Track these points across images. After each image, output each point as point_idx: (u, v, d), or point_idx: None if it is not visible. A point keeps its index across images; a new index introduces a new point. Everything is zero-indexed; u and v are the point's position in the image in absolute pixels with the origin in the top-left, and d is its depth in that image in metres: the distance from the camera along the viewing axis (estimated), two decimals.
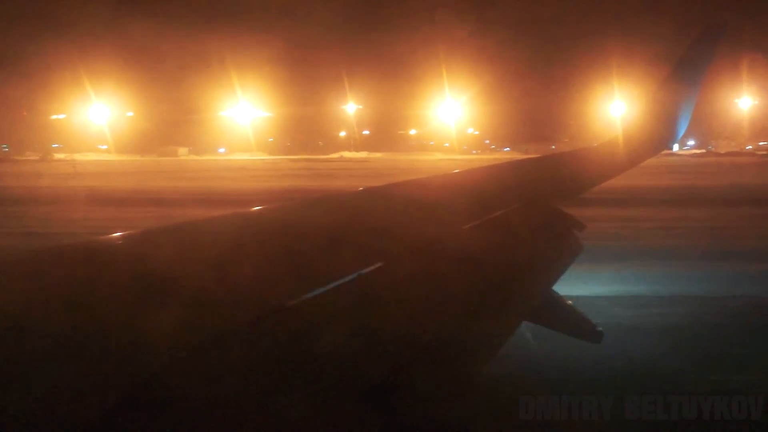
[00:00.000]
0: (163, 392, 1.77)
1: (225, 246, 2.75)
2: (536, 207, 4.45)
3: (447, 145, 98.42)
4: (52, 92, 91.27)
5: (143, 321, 1.99)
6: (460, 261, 3.30)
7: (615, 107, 56.87)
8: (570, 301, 3.84)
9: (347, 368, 2.20)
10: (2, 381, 1.67)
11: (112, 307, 2.06)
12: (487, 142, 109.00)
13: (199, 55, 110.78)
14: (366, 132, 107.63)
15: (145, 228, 3.48)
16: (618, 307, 9.21)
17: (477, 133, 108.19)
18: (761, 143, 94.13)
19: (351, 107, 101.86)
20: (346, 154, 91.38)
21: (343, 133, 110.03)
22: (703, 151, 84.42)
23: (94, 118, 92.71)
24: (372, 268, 2.81)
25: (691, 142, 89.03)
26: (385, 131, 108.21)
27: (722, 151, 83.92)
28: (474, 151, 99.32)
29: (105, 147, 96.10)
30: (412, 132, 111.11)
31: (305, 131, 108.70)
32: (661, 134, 6.23)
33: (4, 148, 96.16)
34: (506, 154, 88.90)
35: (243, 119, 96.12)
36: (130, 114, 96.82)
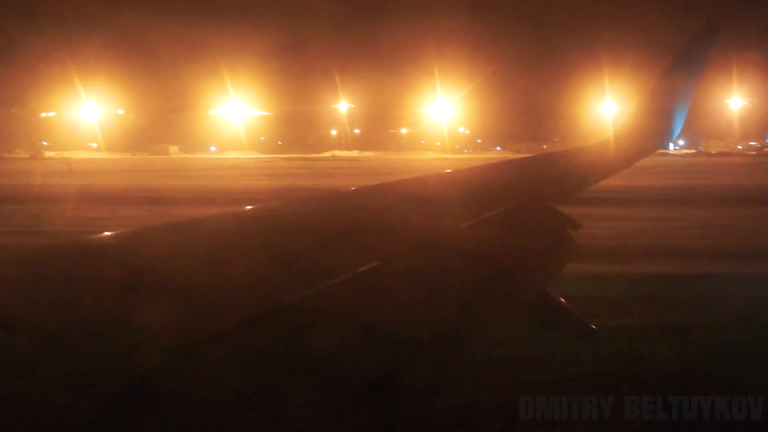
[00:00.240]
0: (159, 390, 1.77)
1: (222, 244, 2.76)
2: (532, 206, 4.46)
3: (438, 144, 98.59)
4: (42, 90, 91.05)
5: (140, 319, 1.99)
6: (455, 260, 3.31)
7: (606, 107, 57.10)
8: (562, 299, 3.85)
9: (344, 366, 2.20)
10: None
11: (108, 305, 2.06)
12: (479, 141, 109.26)
13: (191, 54, 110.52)
14: (356, 131, 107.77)
15: (143, 225, 3.49)
16: (618, 307, 9.22)
17: (468, 132, 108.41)
18: (751, 143, 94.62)
19: (343, 106, 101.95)
20: (338, 153, 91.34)
21: (333, 132, 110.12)
22: (694, 151, 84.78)
23: (83, 116, 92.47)
24: (368, 266, 2.82)
25: (681, 142, 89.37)
26: (375, 130, 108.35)
27: (713, 151, 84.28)
28: (466, 150, 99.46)
29: (95, 145, 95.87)
30: (403, 131, 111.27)
31: (296, 130, 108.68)
32: (657, 133, 6.25)
33: None
34: (497, 154, 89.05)
35: (234, 118, 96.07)
36: (121, 112, 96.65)
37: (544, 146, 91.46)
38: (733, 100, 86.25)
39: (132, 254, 2.47)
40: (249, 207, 3.53)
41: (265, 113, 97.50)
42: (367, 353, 2.32)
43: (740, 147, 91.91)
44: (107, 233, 2.80)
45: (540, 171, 5.66)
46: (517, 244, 3.88)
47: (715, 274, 12.00)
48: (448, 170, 6.75)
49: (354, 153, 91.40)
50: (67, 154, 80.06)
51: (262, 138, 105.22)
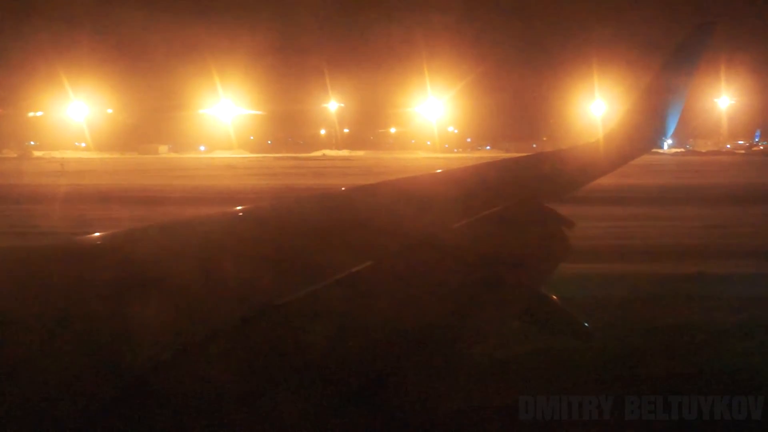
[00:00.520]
0: (154, 391, 1.77)
1: (216, 244, 2.77)
2: (526, 206, 4.46)
3: (429, 143, 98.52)
4: (29, 89, 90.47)
5: (133, 321, 2.00)
6: (450, 259, 3.32)
7: (595, 106, 57.25)
8: (555, 297, 3.85)
9: (339, 366, 2.20)
10: None
11: (104, 305, 2.06)
12: (469, 140, 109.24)
13: (180, 52, 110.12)
14: (345, 130, 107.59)
15: (138, 226, 3.47)
16: (618, 307, 9.23)
17: (456, 131, 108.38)
18: (739, 142, 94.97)
19: (333, 105, 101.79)
20: (328, 152, 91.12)
21: (323, 131, 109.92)
22: (682, 150, 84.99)
23: (71, 115, 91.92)
24: (363, 266, 2.82)
25: (669, 141, 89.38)
26: (365, 129, 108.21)
27: (703, 150, 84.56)
28: (456, 150, 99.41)
29: (83, 145, 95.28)
30: (392, 130, 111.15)
31: (286, 129, 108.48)
32: (651, 132, 6.26)
33: None
34: (487, 153, 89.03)
35: (223, 117, 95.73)
36: (109, 111, 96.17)
37: (534, 145, 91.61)
38: (721, 99, 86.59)
39: (124, 255, 2.47)
40: (243, 207, 3.53)
41: (255, 112, 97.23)
42: (362, 352, 2.33)
43: (729, 146, 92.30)
44: (98, 234, 2.80)
45: (534, 170, 5.66)
46: (511, 243, 3.89)
47: (715, 273, 11.99)
48: (440, 170, 6.75)
49: (344, 152, 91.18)
50: (55, 154, 79.57)
51: (252, 137, 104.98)
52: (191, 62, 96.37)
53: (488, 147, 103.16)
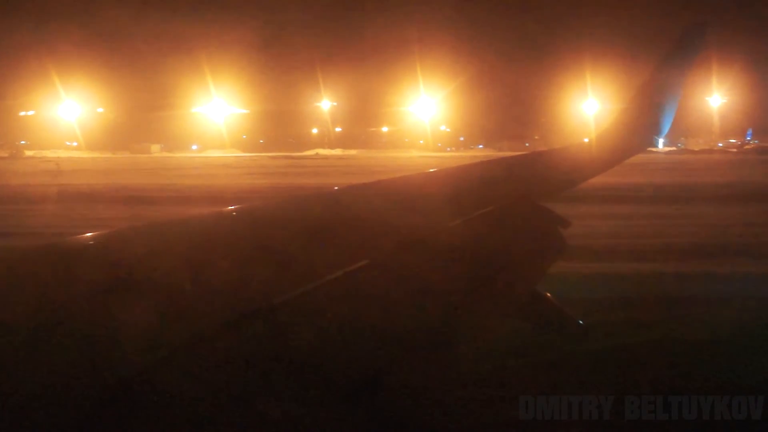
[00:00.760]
0: (146, 391, 1.77)
1: (210, 244, 2.78)
2: (521, 204, 4.47)
3: (422, 142, 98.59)
4: (20, 88, 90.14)
5: (125, 321, 1.99)
6: (445, 258, 3.32)
7: (587, 105, 57.30)
8: (549, 295, 3.86)
9: (334, 365, 2.20)
10: None
11: (94, 306, 2.06)
12: (462, 139, 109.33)
13: (171, 51, 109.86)
14: (337, 129, 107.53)
15: (129, 226, 3.48)
16: (619, 307, 9.24)
17: (448, 130, 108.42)
18: (731, 140, 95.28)
19: (325, 104, 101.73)
20: (322, 151, 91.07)
21: (314, 131, 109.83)
22: (674, 148, 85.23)
23: (62, 114, 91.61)
24: (358, 265, 2.82)
25: (661, 140, 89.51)
26: (357, 128, 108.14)
27: (696, 149, 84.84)
28: (449, 149, 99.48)
29: (75, 144, 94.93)
30: (384, 129, 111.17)
31: (278, 128, 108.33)
32: (646, 131, 6.28)
33: None
34: (480, 152, 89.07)
35: (216, 116, 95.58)
36: (101, 110, 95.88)
37: (527, 144, 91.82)
38: (712, 98, 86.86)
39: (114, 255, 2.47)
40: (236, 206, 3.52)
41: (247, 111, 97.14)
42: (357, 352, 2.33)
43: (720, 144, 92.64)
44: (89, 234, 2.79)
45: (529, 169, 5.66)
46: (506, 242, 3.90)
47: (715, 273, 11.98)
48: (433, 169, 6.75)
49: (337, 151, 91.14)
50: (47, 153, 79.30)
51: (244, 136, 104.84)
52: (183, 61, 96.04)
53: (481, 146, 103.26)
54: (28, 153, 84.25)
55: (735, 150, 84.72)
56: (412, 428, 2.27)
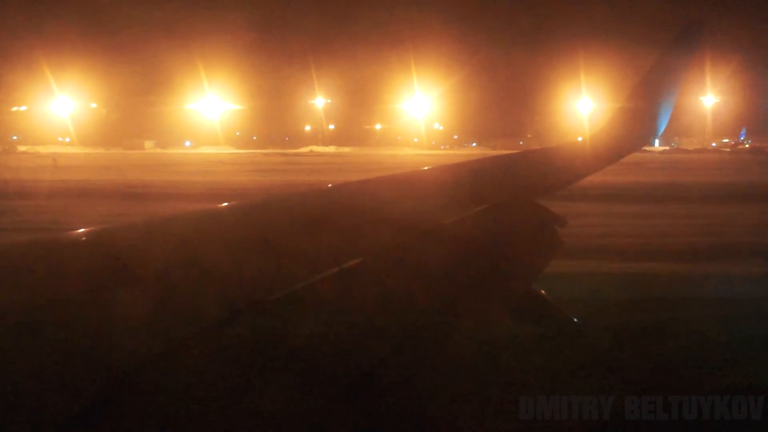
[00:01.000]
0: (144, 386, 1.77)
1: (207, 240, 2.77)
2: (517, 202, 4.47)
3: (416, 140, 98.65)
4: (12, 83, 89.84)
5: (122, 316, 2.00)
6: (440, 255, 3.33)
7: (581, 104, 57.41)
8: (543, 291, 3.87)
9: (329, 362, 2.20)
10: None
11: (90, 301, 2.06)
12: (456, 137, 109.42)
13: (165, 47, 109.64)
14: (331, 126, 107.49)
15: (127, 222, 3.48)
16: (619, 308, 9.25)
17: (441, 128, 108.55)
18: (724, 140, 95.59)
19: (319, 101, 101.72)
20: (316, 148, 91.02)
21: (308, 128, 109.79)
22: (667, 147, 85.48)
23: (55, 110, 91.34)
24: (353, 262, 2.83)
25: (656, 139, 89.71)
26: (350, 126, 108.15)
27: (690, 148, 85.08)
28: (443, 146, 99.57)
29: (67, 140, 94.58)
30: (378, 127, 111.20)
31: (271, 125, 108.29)
32: (642, 130, 6.28)
33: None
34: (474, 150, 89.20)
35: (209, 112, 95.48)
36: (94, 105, 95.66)
37: (520, 142, 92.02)
38: (706, 98, 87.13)
39: (110, 251, 2.47)
40: (232, 202, 3.53)
41: (241, 108, 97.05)
42: (353, 349, 2.33)
43: (714, 144, 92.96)
44: (85, 229, 2.80)
45: (525, 167, 5.66)
46: (502, 240, 3.90)
47: (716, 273, 11.94)
48: (435, 166, 6.75)
49: (331, 148, 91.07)
50: (39, 149, 79.07)
51: (238, 133, 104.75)
52: (176, 57, 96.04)
53: (474, 144, 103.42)
54: (21, 148, 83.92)
55: (728, 150, 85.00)
56: (408, 426, 2.27)
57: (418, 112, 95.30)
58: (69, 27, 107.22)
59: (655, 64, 6.34)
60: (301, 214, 3.40)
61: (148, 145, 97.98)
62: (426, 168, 5.41)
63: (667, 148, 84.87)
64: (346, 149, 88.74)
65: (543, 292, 3.86)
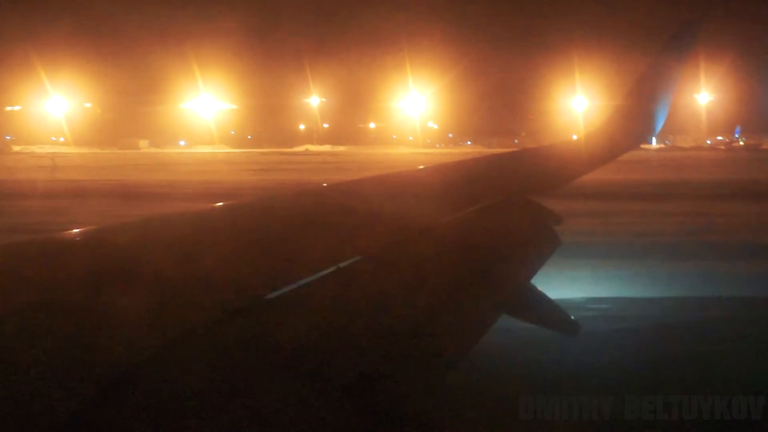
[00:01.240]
0: (140, 386, 1.77)
1: (203, 238, 2.78)
2: (514, 201, 4.48)
3: (411, 138, 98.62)
4: (5, 83, 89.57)
5: (119, 315, 2.00)
6: (437, 254, 3.33)
7: (576, 102, 57.51)
8: (540, 289, 3.87)
9: (326, 361, 2.20)
10: None
11: (87, 300, 2.06)
12: (451, 135, 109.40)
13: (159, 47, 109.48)
14: (325, 125, 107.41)
15: (125, 220, 3.50)
16: (620, 309, 9.26)
17: (436, 126, 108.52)
18: (719, 138, 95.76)
19: (314, 100, 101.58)
20: (311, 147, 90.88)
21: (302, 126, 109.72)
22: (662, 145, 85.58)
23: (48, 110, 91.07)
24: (350, 261, 2.83)
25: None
26: (344, 124, 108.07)
27: (686, 146, 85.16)
28: (437, 145, 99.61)
29: (62, 139, 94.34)
30: (371, 125, 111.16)
31: (266, 124, 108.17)
32: (640, 128, 6.29)
33: None
34: (469, 148, 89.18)
35: (204, 112, 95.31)
36: (88, 105, 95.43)
37: (515, 141, 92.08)
38: (700, 95, 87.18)
39: (107, 249, 2.48)
40: (230, 202, 3.54)
41: (236, 107, 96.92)
42: (350, 348, 2.33)
43: (709, 141, 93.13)
44: (82, 228, 2.81)
45: (522, 165, 5.66)
46: (499, 239, 3.90)
47: (716, 273, 11.88)
48: (422, 166, 6.76)
49: (326, 147, 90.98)
50: (34, 149, 78.87)
51: (232, 132, 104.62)
52: (171, 56, 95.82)
53: (469, 142, 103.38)
54: (15, 148, 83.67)
55: (723, 147, 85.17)
56: (406, 426, 2.27)
57: (413, 110, 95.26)
58: (62, 26, 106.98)
59: (651, 62, 6.35)
60: (297, 213, 3.42)
61: (143, 144, 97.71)
62: (422, 167, 5.42)
63: (662, 145, 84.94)
64: (341, 148, 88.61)
65: (542, 293, 3.87)
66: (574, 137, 6.87)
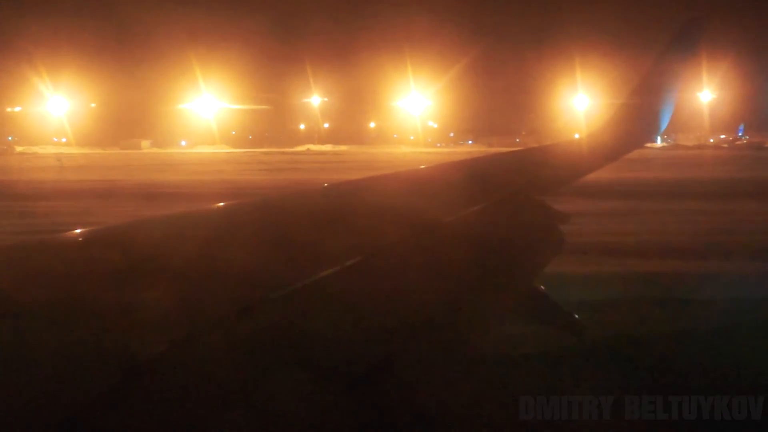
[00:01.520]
0: (153, 379, 1.78)
1: (213, 237, 2.81)
2: (519, 199, 4.48)
3: (412, 138, 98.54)
4: (7, 83, 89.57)
5: (133, 311, 2.01)
6: (443, 252, 3.34)
7: (578, 100, 57.39)
8: (543, 287, 3.87)
9: (335, 358, 2.21)
10: None
11: (106, 296, 2.11)
12: (452, 135, 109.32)
13: (160, 47, 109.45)
14: (325, 125, 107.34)
15: (141, 218, 3.53)
16: (618, 307, 9.25)
17: (436, 126, 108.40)
18: (721, 136, 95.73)
19: (315, 100, 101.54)
20: (313, 147, 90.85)
21: (302, 126, 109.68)
22: (665, 144, 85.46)
23: (50, 110, 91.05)
24: (358, 258, 2.83)
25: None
26: (345, 124, 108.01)
27: (690, 145, 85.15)
28: (438, 144, 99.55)
29: (63, 140, 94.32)
30: (372, 125, 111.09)
31: (266, 124, 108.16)
32: (646, 126, 6.29)
33: None
34: (471, 147, 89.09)
35: (205, 112, 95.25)
36: (92, 105, 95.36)
37: (517, 140, 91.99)
38: (703, 94, 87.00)
39: (123, 247, 2.51)
40: (239, 201, 3.55)
41: (236, 107, 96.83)
42: (357, 346, 2.34)
43: (711, 140, 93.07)
44: (99, 227, 2.83)
45: (528, 164, 5.67)
46: (503, 238, 3.91)
47: (717, 273, 11.83)
48: (427, 165, 6.76)
49: (328, 147, 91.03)
50: (36, 149, 78.86)
51: (234, 132, 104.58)
52: (172, 57, 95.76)
53: (470, 141, 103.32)
54: (18, 149, 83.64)
55: (726, 146, 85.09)
56: (410, 423, 2.28)
57: (414, 109, 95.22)
58: (62, 27, 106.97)
59: (656, 60, 6.35)
60: (306, 212, 3.44)
61: (145, 144, 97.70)
62: (426, 166, 5.44)
63: (665, 144, 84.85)
64: (343, 147, 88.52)
65: (545, 290, 3.87)
66: (576, 136, 6.86)
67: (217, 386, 1.88)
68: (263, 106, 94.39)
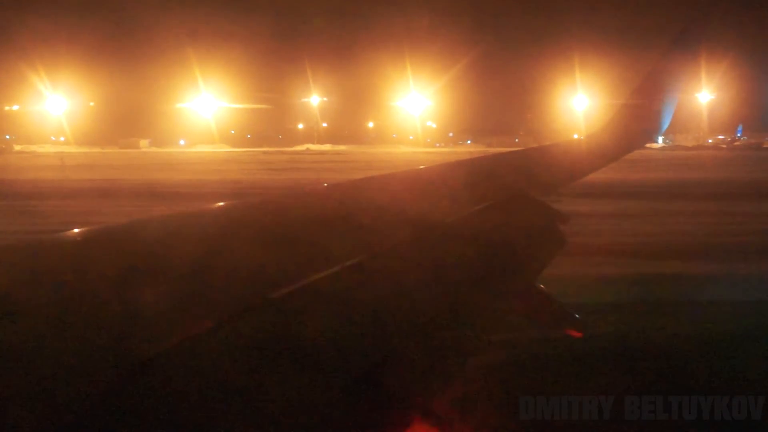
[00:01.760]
0: (153, 379, 1.78)
1: (213, 237, 2.80)
2: (520, 200, 4.49)
3: (411, 137, 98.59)
4: (4, 82, 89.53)
5: (134, 310, 2.02)
6: (443, 253, 3.34)
7: (576, 100, 57.45)
8: (543, 285, 3.87)
9: (335, 358, 2.21)
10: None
11: (106, 296, 2.09)
12: (451, 134, 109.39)
13: (159, 46, 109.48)
14: (324, 124, 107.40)
15: (141, 218, 3.54)
16: (621, 310, 9.25)
17: (435, 125, 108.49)
18: (720, 137, 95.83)
19: (315, 99, 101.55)
20: (312, 146, 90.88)
21: (300, 126, 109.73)
22: (664, 144, 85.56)
23: (48, 109, 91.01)
24: (358, 259, 2.84)
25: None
26: (344, 124, 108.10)
27: (689, 145, 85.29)
28: (437, 144, 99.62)
29: (62, 139, 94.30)
30: (371, 125, 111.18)
31: (265, 123, 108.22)
32: (647, 126, 6.30)
33: None
34: (470, 147, 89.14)
35: (204, 111, 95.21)
36: (91, 104, 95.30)
37: (516, 140, 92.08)
38: (702, 94, 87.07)
39: (125, 246, 2.53)
40: (240, 200, 3.55)
41: (234, 106, 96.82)
42: (356, 346, 2.34)
43: (710, 140, 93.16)
44: (100, 225, 2.84)
45: (528, 164, 5.67)
46: (504, 238, 3.91)
47: (717, 273, 11.85)
48: (426, 165, 6.76)
49: (327, 146, 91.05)
50: (35, 148, 78.90)
51: (233, 131, 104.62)
52: (171, 56, 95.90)
53: (469, 141, 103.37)
54: (17, 147, 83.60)
55: (725, 146, 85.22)
56: (410, 424, 2.28)
57: (413, 109, 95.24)
58: (61, 25, 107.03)
59: (658, 61, 6.35)
60: (306, 211, 3.43)
61: (143, 144, 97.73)
62: (426, 166, 5.43)
63: (664, 145, 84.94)
64: (342, 147, 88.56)
65: (545, 290, 3.87)
66: (576, 136, 6.86)
67: (218, 386, 1.88)
68: (262, 106, 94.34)
